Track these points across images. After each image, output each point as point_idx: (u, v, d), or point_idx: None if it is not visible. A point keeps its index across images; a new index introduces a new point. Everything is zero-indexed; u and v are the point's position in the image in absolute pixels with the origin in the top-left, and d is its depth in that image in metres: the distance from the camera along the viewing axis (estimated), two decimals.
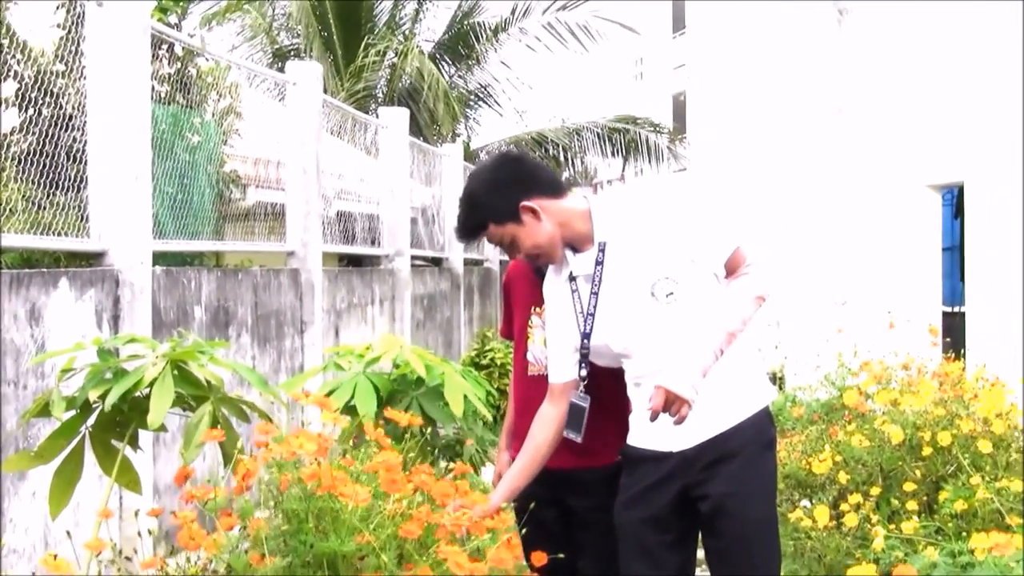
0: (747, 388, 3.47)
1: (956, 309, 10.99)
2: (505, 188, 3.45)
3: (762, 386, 3.56)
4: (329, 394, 3.95)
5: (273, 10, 16.82)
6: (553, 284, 3.62)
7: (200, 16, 11.11)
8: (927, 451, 5.03)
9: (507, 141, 19.73)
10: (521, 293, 3.96)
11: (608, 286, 3.44)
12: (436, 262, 13.90)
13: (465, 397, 4.18)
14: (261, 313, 7.19)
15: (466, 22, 18.21)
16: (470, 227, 3.54)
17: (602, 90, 44.92)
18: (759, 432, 3.46)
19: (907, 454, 5.12)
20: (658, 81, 38.66)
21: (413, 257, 11.62)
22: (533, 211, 3.42)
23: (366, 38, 16.10)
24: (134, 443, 2.64)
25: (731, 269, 3.42)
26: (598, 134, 19.30)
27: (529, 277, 3.91)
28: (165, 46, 6.24)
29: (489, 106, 18.92)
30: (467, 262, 15.12)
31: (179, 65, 6.40)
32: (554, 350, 3.61)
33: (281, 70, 9.36)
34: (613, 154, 19.52)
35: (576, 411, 3.52)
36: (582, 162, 19.89)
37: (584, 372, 3.52)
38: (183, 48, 6.45)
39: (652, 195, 3.54)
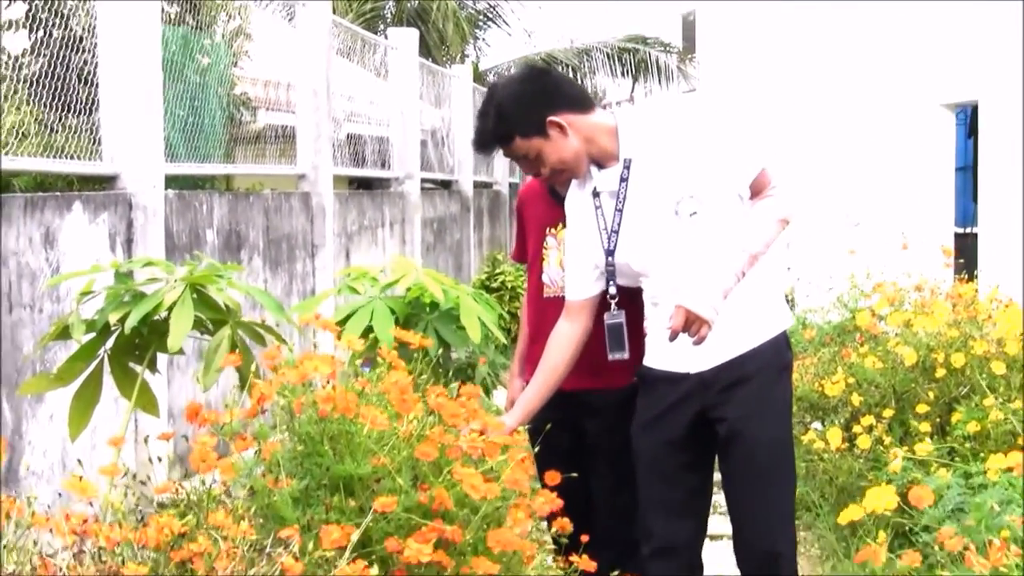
0: (766, 311, 3.46)
1: (968, 230, 10.94)
2: (532, 101, 3.41)
3: (781, 310, 3.55)
4: (346, 319, 3.95)
5: None
6: (576, 199, 3.58)
7: None
8: (940, 373, 5.03)
9: (516, 62, 19.56)
10: (535, 215, 3.92)
11: (632, 203, 3.41)
12: (446, 185, 13.86)
13: (480, 320, 4.17)
14: (272, 237, 7.18)
15: None
16: (496, 138, 3.50)
17: (610, 8, 44.54)
18: (776, 356, 3.45)
19: (920, 376, 5.12)
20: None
21: (423, 180, 11.58)
22: (560, 126, 3.37)
23: None
24: (152, 366, 2.65)
25: (756, 191, 3.39)
26: (608, 54, 19.12)
27: (543, 198, 3.88)
28: None
29: (498, 26, 18.73)
30: (476, 184, 15.07)
31: None
32: (573, 266, 3.58)
33: None
34: (623, 74, 19.34)
35: (615, 330, 3.49)
36: (592, 82, 19.71)
37: (614, 289, 3.48)
38: None
39: (679, 113, 3.50)
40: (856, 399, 5.26)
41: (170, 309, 2.53)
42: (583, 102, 3.47)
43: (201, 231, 6.16)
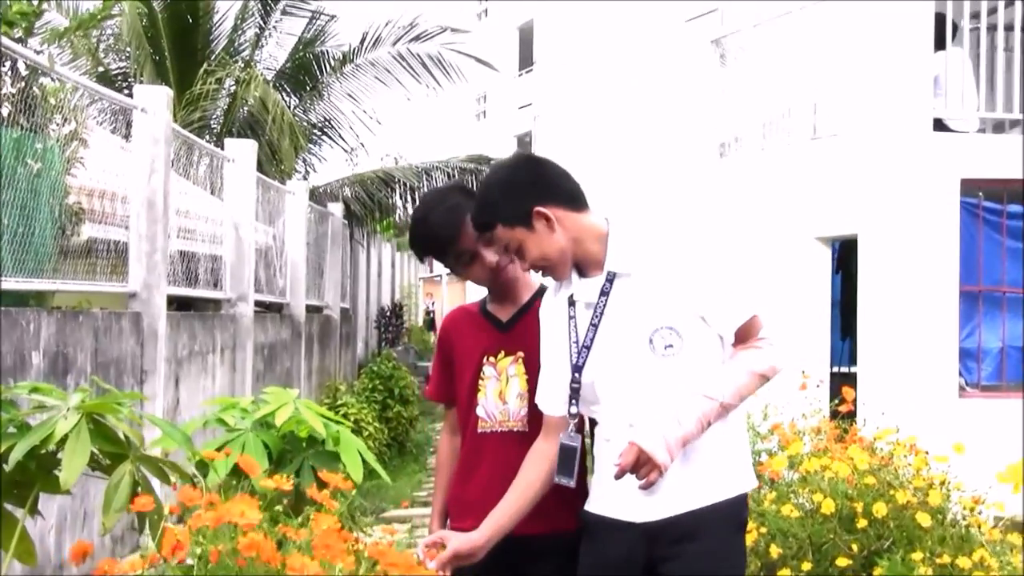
0: (727, 468, 3.37)
1: (838, 370, 11.23)
2: (521, 189, 3.38)
3: (744, 470, 3.46)
4: (218, 452, 3.80)
5: (100, 31, 16.40)
6: (550, 303, 3.54)
7: (46, 32, 10.78)
8: (862, 523, 5.03)
9: (351, 179, 19.61)
10: (466, 342, 3.87)
11: (608, 322, 3.35)
12: (276, 308, 13.69)
13: (361, 457, 4.07)
14: (101, 360, 6.96)
15: (310, 50, 18.07)
16: (477, 225, 3.47)
17: (443, 129, 45.14)
18: (733, 515, 3.38)
19: (838, 526, 5.14)
20: (502, 121, 39.03)
21: (255, 303, 11.41)
22: (547, 218, 3.34)
23: (204, 64, 15.83)
24: (34, 509, 2.50)
25: (741, 338, 3.32)
26: (448, 174, 19.32)
27: (476, 324, 3.83)
28: (8, 62, 6.03)
29: (333, 141, 18.76)
30: (308, 308, 14.94)
31: (23, 84, 6.17)
32: (549, 378, 3.50)
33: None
34: None
35: (567, 453, 3.41)
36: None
37: (575, 409, 3.41)
38: (27, 66, 6.23)
39: (676, 235, 3.43)
40: (774, 551, 5.20)
41: (61, 442, 2.40)
42: (576, 200, 3.42)
43: (27, 353, 5.93)
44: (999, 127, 10.79)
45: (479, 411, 3.81)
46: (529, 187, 3.39)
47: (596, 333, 3.36)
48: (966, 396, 9.87)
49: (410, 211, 19.94)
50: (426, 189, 19.09)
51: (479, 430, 3.80)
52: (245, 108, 16.20)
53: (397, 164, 23.58)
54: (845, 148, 10.33)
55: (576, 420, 3.42)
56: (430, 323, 42.90)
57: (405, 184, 19.14)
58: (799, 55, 11.00)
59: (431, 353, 32.70)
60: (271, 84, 16.84)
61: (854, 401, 7.19)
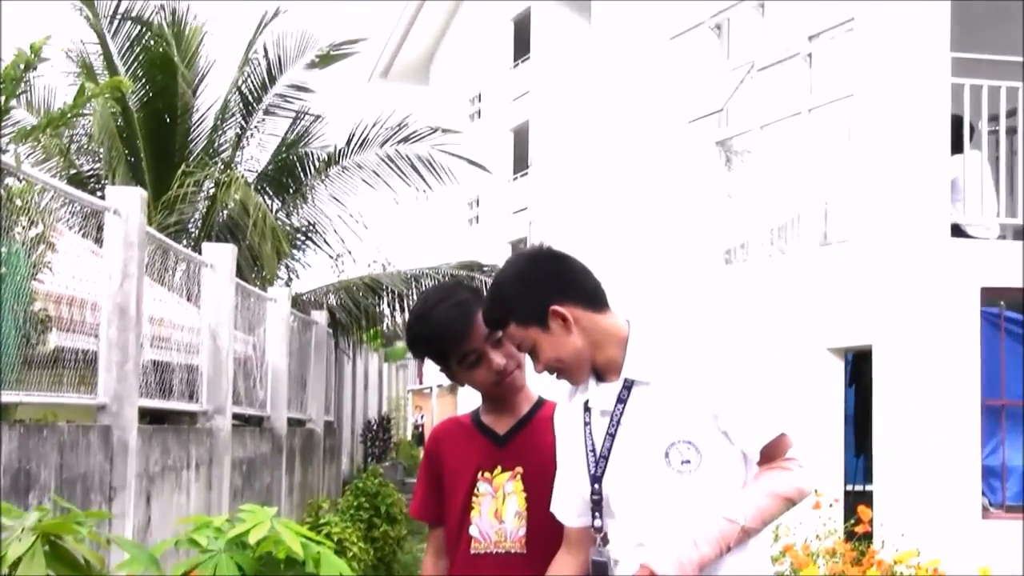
0: None
1: (852, 488, 11.11)
2: (537, 286, 3.30)
3: None
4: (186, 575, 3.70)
5: (72, 129, 16.45)
6: (565, 409, 3.43)
7: (13, 131, 10.82)
8: None
9: (336, 286, 19.56)
10: (459, 456, 3.75)
11: (625, 432, 3.24)
12: (256, 421, 13.57)
13: None
14: (66, 477, 6.83)
15: (293, 152, 18.10)
16: (488, 320, 3.40)
17: (434, 235, 45.26)
18: None
19: None
20: (496, 225, 39.16)
21: (233, 415, 11.31)
22: (563, 319, 3.25)
23: (181, 165, 15.85)
24: None
25: (767, 457, 3.21)
26: (439, 281, 19.25)
27: (469, 437, 3.73)
28: None
29: (318, 246, 18.75)
30: (290, 422, 14.83)
31: None
32: (567, 488, 3.39)
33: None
34: None
35: (599, 570, 3.29)
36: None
37: (599, 522, 3.30)
38: None
39: (697, 343, 3.32)
40: None
41: (15, 565, 2.30)
42: (596, 299, 3.34)
43: None
44: (1020, 233, 10.78)
45: (472, 531, 3.69)
46: (547, 284, 3.31)
47: (613, 443, 3.27)
48: (990, 517, 9.75)
49: (398, 320, 19.89)
50: (415, 297, 19.07)
51: (472, 551, 3.68)
52: (225, 211, 16.20)
53: (385, 270, 23.56)
54: (858, 254, 10.32)
55: (602, 534, 3.32)
56: (419, 438, 42.62)
57: (393, 291, 19.07)
58: (808, 157, 11.04)
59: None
60: (252, 186, 16.85)
61: (870, 521, 7.10)
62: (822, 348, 10.65)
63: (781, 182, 11.68)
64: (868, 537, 7.04)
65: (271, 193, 18.23)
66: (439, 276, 19.24)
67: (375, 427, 27.83)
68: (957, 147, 10.21)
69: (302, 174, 18.26)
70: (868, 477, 11.01)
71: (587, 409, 3.35)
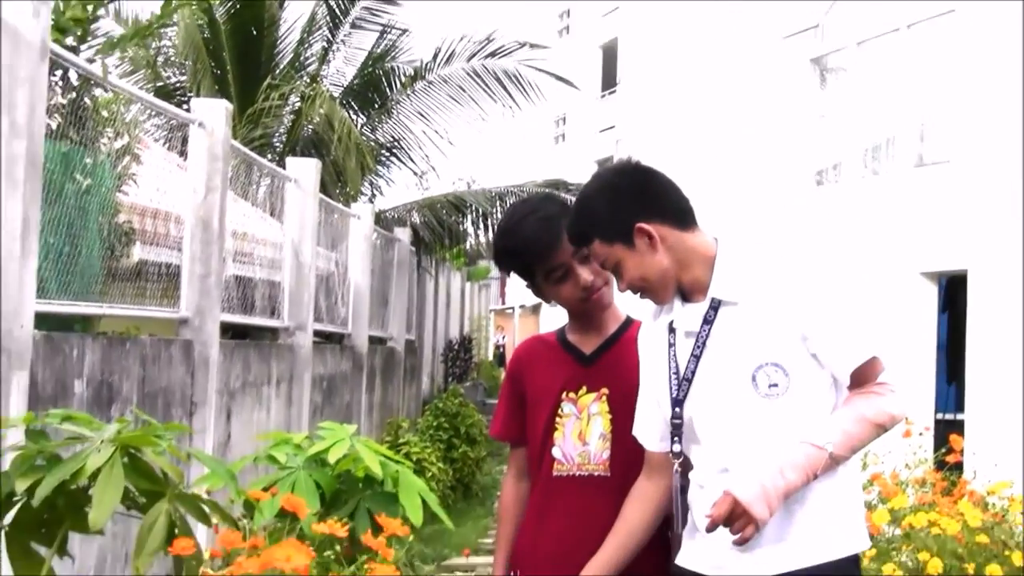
0: (835, 526, 3.20)
1: (943, 416, 11.02)
2: (623, 201, 3.26)
3: (855, 528, 3.27)
4: (264, 492, 3.76)
5: (159, 41, 16.57)
6: (649, 330, 3.42)
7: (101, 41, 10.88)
8: None
9: (420, 204, 19.60)
10: (543, 376, 3.76)
11: (711, 354, 3.22)
12: (336, 339, 13.69)
13: (422, 499, 4.00)
14: (148, 390, 6.95)
15: (379, 66, 18.09)
16: (572, 235, 3.38)
17: (519, 153, 45.17)
18: None
19: None
20: (582, 144, 38.98)
21: (314, 332, 11.42)
22: (649, 236, 3.22)
23: (267, 78, 15.92)
24: (63, 549, 2.44)
25: (858, 381, 3.16)
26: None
27: (554, 356, 3.73)
28: (60, 72, 6.05)
29: (402, 162, 18.77)
30: (371, 340, 14.94)
31: (74, 95, 6.19)
32: (649, 411, 3.40)
33: None
34: None
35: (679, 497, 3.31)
36: None
37: (678, 447, 3.30)
38: (79, 76, 6.25)
39: (787, 263, 3.27)
40: None
41: (93, 476, 2.34)
42: (684, 217, 3.30)
43: (69, 380, 5.92)
44: None
45: (555, 452, 3.70)
46: (633, 200, 3.27)
47: (698, 365, 3.24)
48: None
49: (482, 238, 19.91)
50: (499, 215, 19.05)
51: (555, 473, 3.68)
52: (310, 126, 16.27)
53: (469, 188, 23.51)
54: (955, 176, 10.16)
55: (681, 459, 3.32)
56: (500, 358, 42.82)
57: (477, 210, 19.07)
58: (906, 76, 10.83)
59: None
60: (338, 101, 16.90)
61: (962, 451, 7.02)
62: (915, 272, 10.53)
63: (876, 101, 11.49)
64: (959, 467, 6.96)
65: (356, 108, 18.28)
66: (524, 194, 19.17)
67: (456, 347, 28.00)
68: None
69: (388, 89, 18.27)
70: (960, 406, 10.90)
71: (672, 330, 3.32)
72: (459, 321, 32.05)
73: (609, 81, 33.68)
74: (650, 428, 3.41)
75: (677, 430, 3.30)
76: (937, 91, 10.64)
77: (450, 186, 26.34)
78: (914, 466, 6.53)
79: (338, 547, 3.04)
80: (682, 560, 3.33)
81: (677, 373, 3.28)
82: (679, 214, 3.30)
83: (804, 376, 3.15)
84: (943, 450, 6.80)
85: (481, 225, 19.39)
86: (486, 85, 18.09)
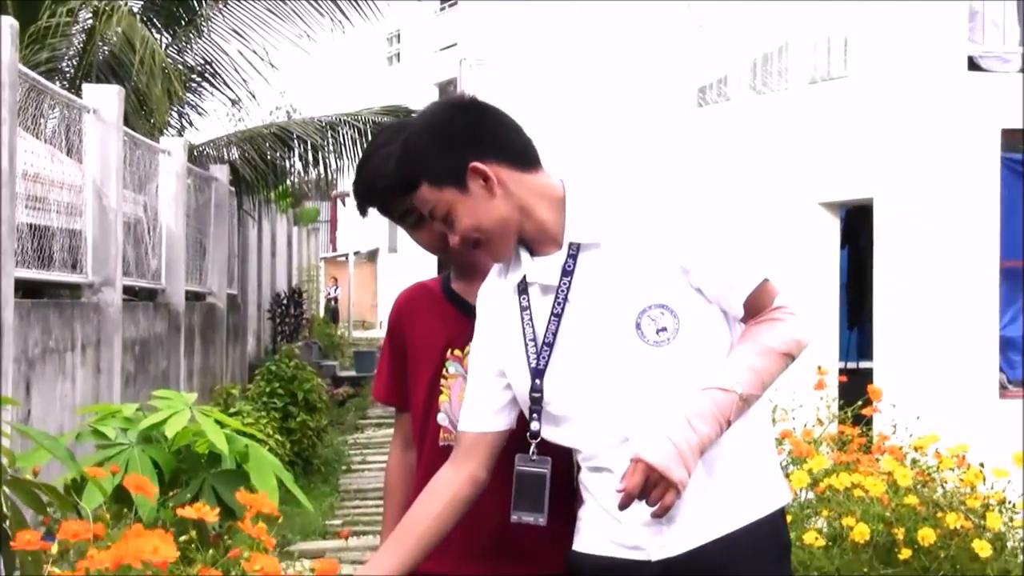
0: (759, 477, 3.17)
1: (845, 365, 11.15)
2: (455, 139, 3.12)
3: (776, 478, 3.26)
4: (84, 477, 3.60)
5: None
6: (492, 291, 3.29)
7: None
8: (905, 553, 4.90)
9: (239, 137, 19.32)
10: (425, 330, 3.62)
11: (576, 308, 3.10)
12: (148, 295, 13.42)
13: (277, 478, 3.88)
14: None
15: None
16: (395, 182, 3.22)
17: (349, 77, 44.89)
18: (773, 537, 3.17)
19: (875, 557, 5.00)
20: (420, 65, 38.88)
21: (123, 288, 11.15)
22: (486, 178, 3.08)
23: None
24: None
25: (752, 311, 3.10)
26: (359, 129, 19.02)
27: (435, 305, 3.60)
28: None
29: (216, 87, 18.47)
30: (187, 296, 14.69)
31: None
32: (475, 385, 3.27)
33: None
34: None
35: (532, 481, 3.17)
36: (337, 164, 19.53)
37: (536, 425, 3.15)
38: None
39: (655, 191, 3.16)
40: None
41: None
42: (525, 157, 3.18)
43: None
44: None
45: (440, 419, 3.57)
46: (467, 138, 3.13)
47: (559, 325, 3.12)
48: (1008, 396, 9.83)
49: (312, 175, 19.69)
50: (330, 148, 18.87)
51: (441, 443, 3.55)
52: (105, 47, 15.85)
53: (291, 118, 23.28)
54: (856, 93, 10.24)
55: (538, 440, 3.19)
56: (333, 313, 42.68)
57: (306, 142, 18.85)
58: None
59: (338, 350, 32.27)
60: (138, 17, 16.51)
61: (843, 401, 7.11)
62: (813, 202, 10.62)
63: (765, 9, 11.54)
64: (867, 421, 7.03)
65: (160, 26, 17.88)
66: (359, 124, 19.03)
67: (285, 301, 27.72)
68: None
69: (196, 3, 17.91)
70: (863, 353, 11.06)
71: (523, 290, 3.20)
72: (287, 271, 31.78)
73: None
74: (478, 408, 3.28)
75: (536, 405, 3.18)
76: None
77: (270, 116, 26.03)
78: (828, 421, 6.56)
79: (194, 533, 2.91)
80: (586, 546, 3.22)
81: (535, 339, 3.16)
82: (520, 154, 3.19)
83: (694, 315, 3.06)
84: (859, 402, 6.84)
85: (310, 159, 19.19)
86: None
